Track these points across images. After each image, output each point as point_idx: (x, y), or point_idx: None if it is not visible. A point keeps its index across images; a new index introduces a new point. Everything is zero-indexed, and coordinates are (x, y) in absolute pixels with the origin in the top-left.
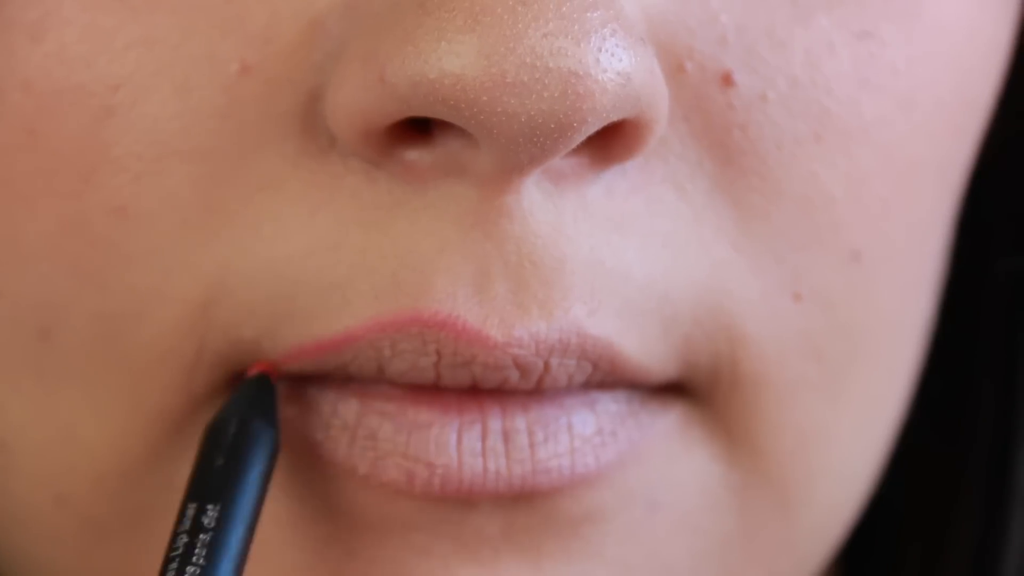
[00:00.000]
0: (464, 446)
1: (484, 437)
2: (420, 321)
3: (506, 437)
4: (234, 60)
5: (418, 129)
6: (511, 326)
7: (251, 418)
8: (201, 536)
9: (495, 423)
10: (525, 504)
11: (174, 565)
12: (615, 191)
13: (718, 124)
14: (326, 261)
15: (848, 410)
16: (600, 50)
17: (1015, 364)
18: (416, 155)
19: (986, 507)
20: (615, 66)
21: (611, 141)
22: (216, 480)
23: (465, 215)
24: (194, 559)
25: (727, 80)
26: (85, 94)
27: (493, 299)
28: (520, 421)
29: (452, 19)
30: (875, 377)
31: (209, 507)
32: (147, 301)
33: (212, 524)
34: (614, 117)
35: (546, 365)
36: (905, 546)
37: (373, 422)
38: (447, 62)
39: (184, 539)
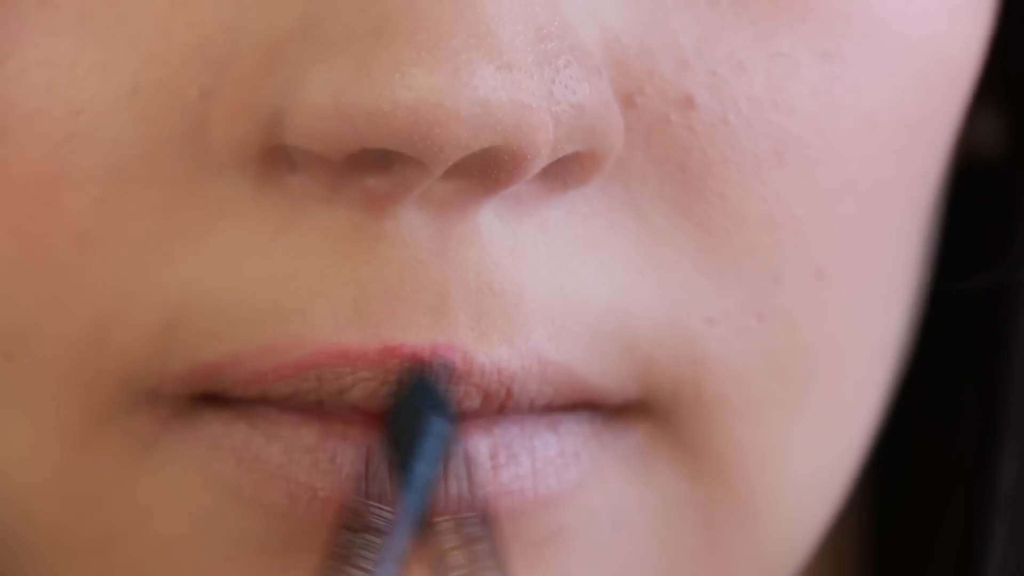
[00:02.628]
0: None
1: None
2: (382, 350)
3: (467, 460)
4: (194, 85)
5: (377, 155)
6: (473, 355)
7: (427, 411)
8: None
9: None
10: None
11: None
12: (574, 215)
13: (678, 147)
14: (286, 288)
15: (814, 426)
16: (553, 82)
17: (997, 376)
18: (375, 182)
19: (967, 519)
20: (568, 98)
21: (567, 168)
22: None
23: (424, 242)
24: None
25: (688, 103)
26: (47, 119)
27: (455, 327)
28: (483, 444)
29: (407, 51)
30: (841, 393)
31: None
32: (109, 325)
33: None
34: (568, 149)
35: (508, 391)
36: (887, 557)
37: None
38: (401, 95)
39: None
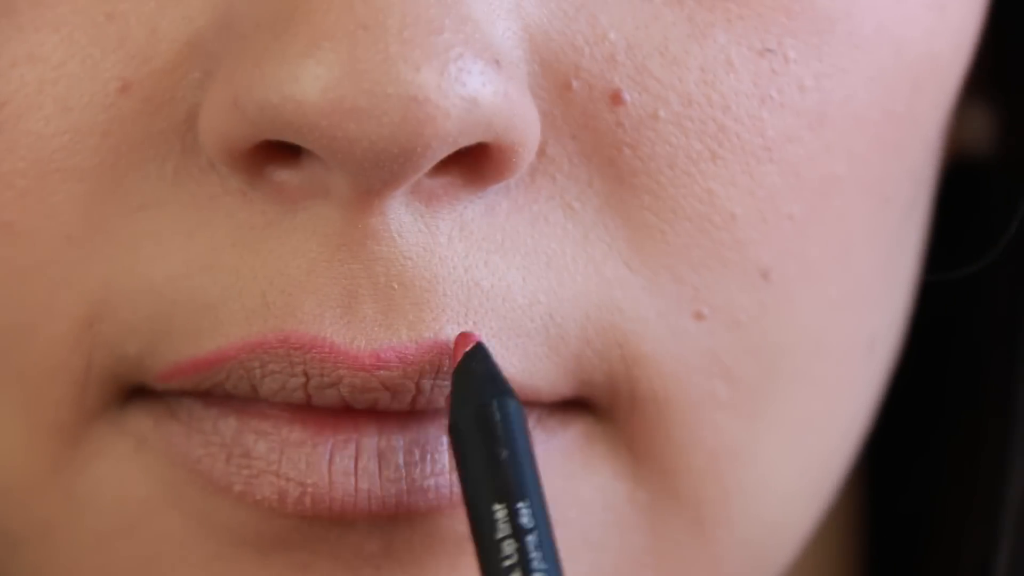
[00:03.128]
0: (336, 465)
1: (357, 457)
2: (287, 342)
3: (380, 457)
4: (114, 78)
5: (289, 149)
6: (379, 347)
7: (506, 397)
8: (528, 538)
9: (370, 442)
10: (404, 523)
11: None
12: (496, 210)
13: (607, 143)
14: (201, 282)
15: (772, 430)
16: (442, 75)
17: (1008, 377)
18: (286, 176)
19: (975, 527)
20: (458, 91)
21: (481, 163)
22: (511, 474)
23: (332, 236)
24: (533, 563)
25: (616, 98)
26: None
27: (361, 320)
28: (396, 440)
29: (294, 43)
30: (803, 396)
31: (520, 505)
32: (37, 316)
33: (532, 523)
34: (464, 142)
35: (418, 387)
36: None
37: (249, 440)
38: (287, 87)
39: (512, 544)
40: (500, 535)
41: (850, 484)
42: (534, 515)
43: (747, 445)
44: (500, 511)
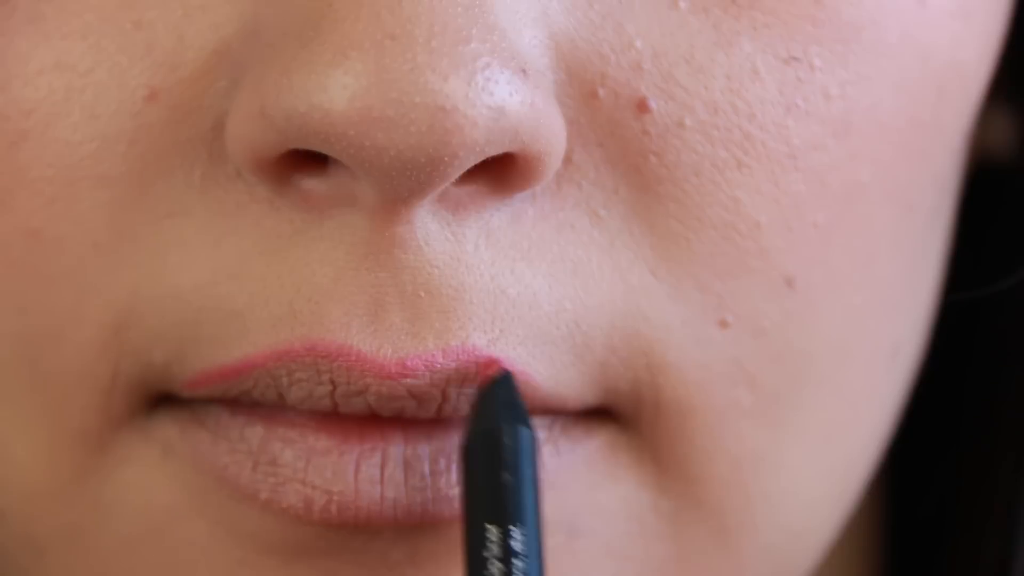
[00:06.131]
0: (362, 474)
1: (383, 465)
2: (314, 351)
3: (406, 465)
4: (142, 86)
5: (317, 157)
6: (405, 355)
7: (519, 424)
8: (515, 562)
9: (396, 451)
10: (430, 531)
11: None
12: (522, 218)
13: (633, 150)
14: (228, 290)
15: (796, 437)
16: (470, 84)
17: None
18: (313, 184)
19: (998, 539)
20: (486, 100)
21: (507, 171)
22: (510, 499)
23: (359, 245)
24: None
25: (642, 106)
26: (1, 118)
27: (388, 328)
28: (423, 449)
29: (323, 53)
30: (827, 403)
31: (513, 530)
32: (64, 323)
33: (523, 549)
34: (491, 151)
35: (444, 394)
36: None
37: (275, 448)
38: (315, 96)
39: (499, 567)
40: (489, 555)
41: (872, 490)
42: (527, 543)
43: (771, 453)
44: (493, 532)
